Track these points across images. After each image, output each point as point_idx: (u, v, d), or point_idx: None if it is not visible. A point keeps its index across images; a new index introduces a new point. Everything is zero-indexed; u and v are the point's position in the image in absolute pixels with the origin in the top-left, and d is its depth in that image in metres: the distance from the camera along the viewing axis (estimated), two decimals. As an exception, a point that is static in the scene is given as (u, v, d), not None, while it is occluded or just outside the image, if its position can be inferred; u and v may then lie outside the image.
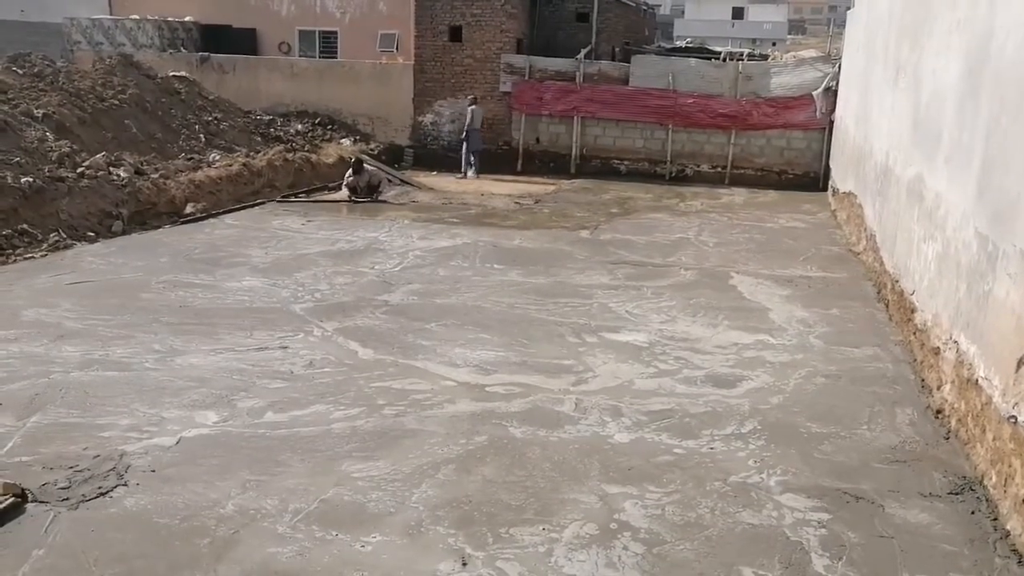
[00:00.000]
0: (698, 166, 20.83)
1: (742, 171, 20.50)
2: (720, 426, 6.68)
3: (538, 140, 21.75)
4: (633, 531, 5.17)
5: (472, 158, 20.56)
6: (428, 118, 22.41)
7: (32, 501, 5.26)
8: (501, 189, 18.79)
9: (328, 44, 25.04)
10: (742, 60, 22.16)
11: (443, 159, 21.88)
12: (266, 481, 5.64)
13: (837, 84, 19.04)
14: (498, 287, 10.52)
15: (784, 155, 20.35)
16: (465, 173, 20.50)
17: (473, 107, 20.38)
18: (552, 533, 5.13)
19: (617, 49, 24.04)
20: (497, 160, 21.19)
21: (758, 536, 5.15)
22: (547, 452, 6.17)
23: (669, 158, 20.82)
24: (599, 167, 21.25)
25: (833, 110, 19.14)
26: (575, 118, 21.12)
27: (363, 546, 4.96)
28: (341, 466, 5.89)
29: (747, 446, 6.35)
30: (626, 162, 21.25)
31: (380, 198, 16.78)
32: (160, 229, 13.39)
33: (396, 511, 5.34)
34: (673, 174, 20.78)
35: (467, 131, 20.39)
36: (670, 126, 20.59)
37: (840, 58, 19.20)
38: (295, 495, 5.48)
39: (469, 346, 8.35)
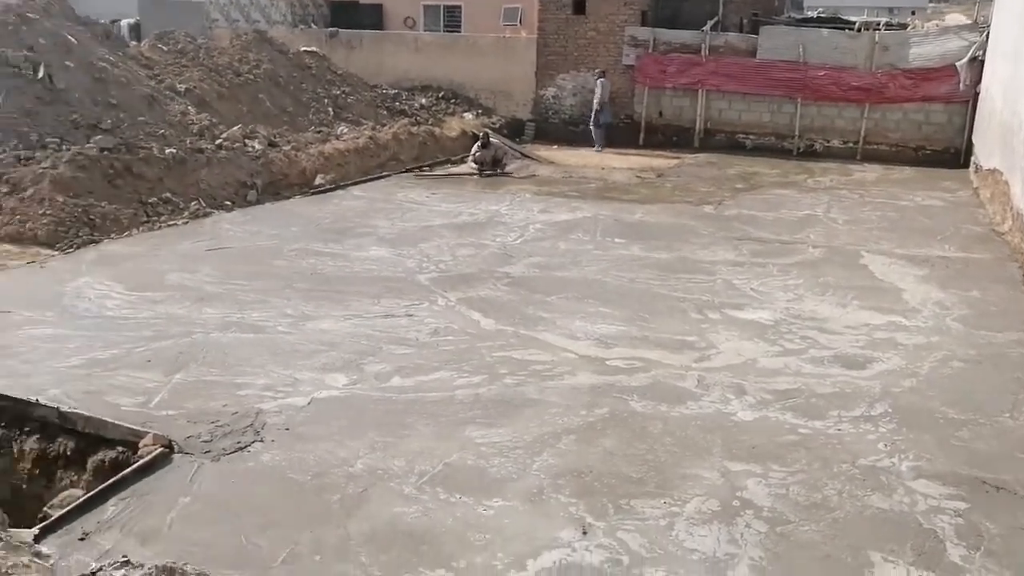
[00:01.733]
0: (828, 141, 20.07)
1: (875, 146, 19.62)
2: (848, 408, 6.49)
3: (661, 114, 21.40)
4: (756, 509, 5.10)
5: (601, 132, 20.40)
6: (550, 92, 22.35)
7: (178, 452, 5.60)
8: (623, 163, 18.62)
9: (452, 18, 25.26)
10: (878, 30, 21.14)
11: (564, 133, 21.81)
12: (393, 443, 5.83)
13: (984, 54, 17.95)
14: (619, 261, 10.47)
15: (922, 130, 19.35)
16: (601, 147, 20.34)
17: (603, 80, 20.21)
18: (673, 507, 5.11)
19: (745, 20, 23.32)
20: (619, 134, 20.97)
21: (888, 521, 4.99)
22: (668, 427, 6.14)
23: (797, 132, 20.13)
24: (723, 141, 20.75)
25: (978, 82, 18.05)
26: (700, 91, 20.65)
27: (485, 510, 5.07)
28: (464, 432, 6.02)
29: (877, 429, 6.15)
30: (752, 136, 20.67)
31: (503, 172, 16.90)
32: (291, 199, 13.88)
33: (518, 478, 5.43)
34: (801, 149, 20.09)
35: (600, 104, 20.21)
36: (799, 99, 19.89)
37: (988, 26, 18.08)
38: (420, 457, 5.64)
39: (590, 319, 8.36)
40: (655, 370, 7.16)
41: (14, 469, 6.21)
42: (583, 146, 20.63)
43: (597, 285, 9.49)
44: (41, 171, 11.22)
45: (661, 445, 5.87)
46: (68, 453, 6.00)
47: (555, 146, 21.03)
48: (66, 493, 5.19)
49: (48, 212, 10.72)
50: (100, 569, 2.49)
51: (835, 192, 15.58)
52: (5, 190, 11.01)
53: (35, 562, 2.65)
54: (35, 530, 3.89)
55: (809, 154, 19.93)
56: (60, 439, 6.05)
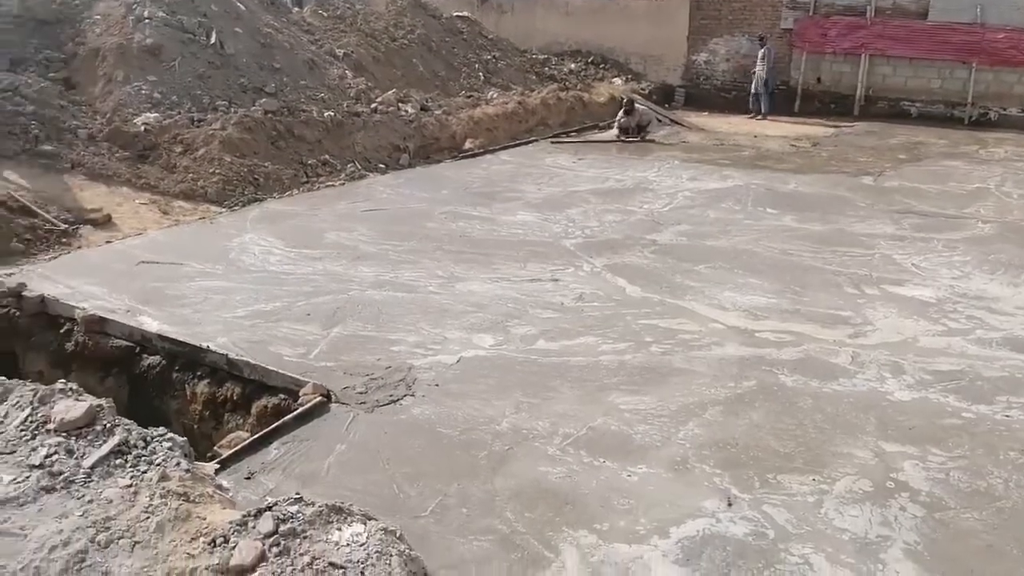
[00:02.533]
0: (1004, 109, 18.74)
1: (1058, 116, 18.22)
2: (1019, 393, 6.12)
3: (819, 80, 20.53)
4: (912, 492, 4.90)
5: (763, 98, 19.75)
6: (702, 57, 21.83)
7: (335, 402, 5.87)
8: (777, 131, 18.02)
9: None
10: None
11: (715, 99, 21.29)
12: (538, 404, 5.91)
13: None
14: (771, 232, 10.18)
15: (1113, 97, 17.83)
16: (764, 114, 19.72)
17: (769, 46, 19.57)
18: (823, 485, 4.98)
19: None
20: (772, 100, 20.25)
21: (1060, 515, 4.70)
22: (819, 403, 5.97)
23: (970, 100, 18.89)
24: (886, 109, 19.72)
25: None
26: (863, 56, 19.67)
27: (629, 475, 5.09)
28: (609, 397, 6.04)
29: (1050, 417, 5.78)
30: (918, 104, 19.54)
31: (648, 138, 16.67)
32: (441, 163, 14.17)
33: (662, 445, 5.41)
34: (973, 117, 18.86)
35: (768, 70, 19.56)
36: (974, 64, 18.64)
37: None
38: (565, 420, 5.70)
39: (739, 290, 8.18)
40: (806, 344, 6.95)
41: (187, 410, 6.69)
42: (735, 113, 20.11)
43: (747, 255, 9.26)
44: (211, 132, 11.88)
45: (811, 421, 5.72)
46: (235, 398, 6.40)
47: (706, 113, 20.56)
48: (233, 435, 5.56)
49: (217, 171, 11.36)
50: (275, 503, 2.66)
51: (1011, 164, 14.57)
52: (179, 150, 11.72)
53: (218, 493, 2.87)
54: (215, 464, 4.19)
55: (982, 123, 18.71)
56: (228, 384, 6.46)
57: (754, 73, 19.84)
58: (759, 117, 19.55)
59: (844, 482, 5.01)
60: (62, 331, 7.37)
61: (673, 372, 6.44)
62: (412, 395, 6.01)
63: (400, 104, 15.24)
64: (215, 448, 5.34)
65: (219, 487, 3.03)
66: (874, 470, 5.14)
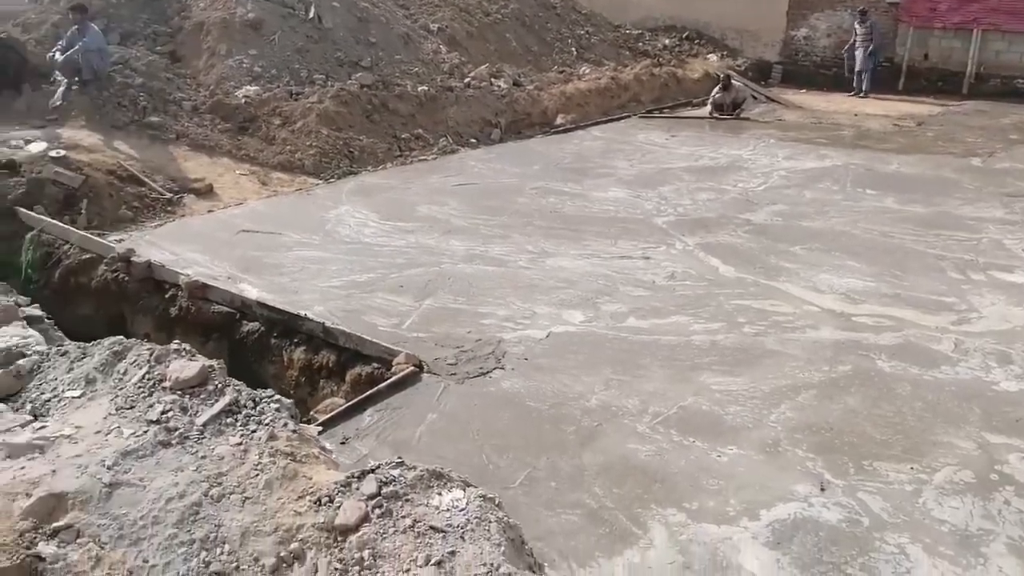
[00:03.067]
0: None
1: None
2: None
3: (926, 56, 19.71)
4: (1018, 486, 4.72)
5: (866, 76, 19.07)
6: (801, 32, 21.19)
7: (426, 372, 5.97)
8: (879, 109, 17.41)
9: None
10: None
11: (814, 76, 20.66)
12: (628, 382, 5.90)
13: None
14: (870, 213, 9.87)
15: None
16: (866, 92, 19.03)
17: (874, 20, 18.90)
18: (921, 474, 4.84)
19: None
20: (876, 78, 19.57)
21: None
22: (919, 391, 5.79)
23: (1090, 79, 17.91)
24: (998, 87, 18.81)
25: None
26: (975, 31, 18.80)
27: (719, 456, 5.04)
28: (700, 377, 5.98)
29: None
30: (1033, 82, 18.61)
31: (743, 115, 16.32)
32: (532, 138, 14.17)
33: (753, 427, 5.34)
34: (1093, 98, 17.88)
35: (876, 46, 18.88)
36: (1095, 41, 17.65)
37: None
38: (655, 398, 5.67)
39: (836, 272, 7.97)
40: (906, 330, 6.74)
41: (283, 375, 6.89)
42: (835, 91, 19.49)
43: (845, 237, 9.01)
44: (309, 105, 12.13)
45: (910, 409, 5.55)
46: (330, 365, 6.56)
47: (803, 90, 20.00)
48: (329, 401, 5.71)
49: (314, 144, 11.61)
50: (378, 466, 2.73)
51: None
52: (278, 122, 12.01)
53: (322, 454, 2.96)
54: (318, 426, 4.32)
55: (1102, 104, 17.70)
56: (324, 352, 6.63)
57: (856, 49, 19.14)
58: (860, 95, 18.90)
59: (944, 472, 4.86)
60: (167, 296, 7.66)
61: (766, 354, 6.34)
62: (502, 368, 6.06)
63: (493, 79, 15.27)
64: (311, 413, 5.50)
65: (323, 448, 3.12)
66: (977, 461, 4.97)
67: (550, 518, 4.48)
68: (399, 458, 2.86)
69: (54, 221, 8.77)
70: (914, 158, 12.84)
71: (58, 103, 11.40)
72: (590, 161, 12.42)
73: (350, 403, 5.49)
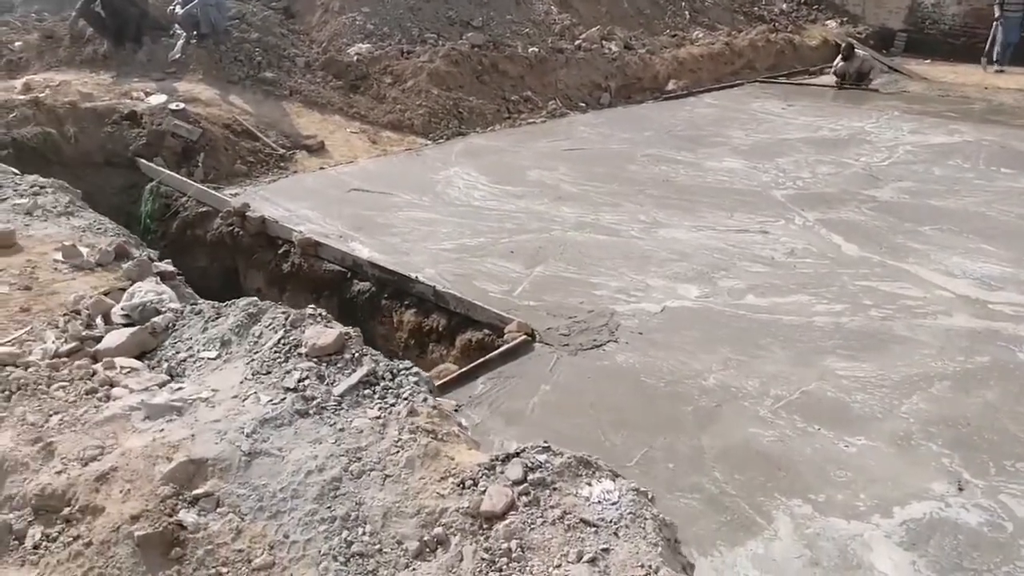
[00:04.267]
0: None
1: None
2: None
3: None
4: None
5: (1010, 48, 17.71)
6: (930, -2, 20.06)
7: (539, 342, 5.85)
8: (1013, 83, 16.37)
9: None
10: None
11: (941, 46, 19.52)
12: (746, 362, 5.67)
13: None
14: (1006, 194, 9.27)
15: None
16: (1001, 64, 17.68)
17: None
18: (1072, 479, 4.50)
19: None
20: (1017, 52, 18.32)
21: None
22: (1067, 388, 5.39)
23: None
24: None
25: None
26: (1123, 1, 17.44)
27: (847, 446, 4.79)
28: (824, 361, 5.70)
29: None
30: None
31: (868, 86, 15.56)
32: (643, 104, 13.82)
33: (883, 418, 5.06)
34: None
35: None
36: None
37: None
38: (776, 381, 5.43)
39: (969, 256, 7.51)
40: (1050, 322, 6.30)
41: (393, 336, 6.88)
42: (963, 62, 18.39)
43: (979, 219, 8.48)
44: (420, 64, 12.06)
45: (1057, 407, 5.18)
46: (440, 329, 6.51)
47: (929, 60, 18.95)
48: (441, 367, 5.65)
49: (424, 103, 11.55)
50: (523, 450, 2.62)
51: None
52: (388, 81, 11.98)
53: (462, 432, 2.87)
54: (455, 402, 4.25)
55: None
56: (434, 315, 6.58)
57: (995, 19, 17.84)
58: (997, 69, 17.67)
59: (1097, 479, 4.51)
60: (280, 252, 7.74)
61: (894, 340, 6.00)
62: (615, 341, 5.90)
63: (603, 41, 14.92)
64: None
65: (460, 425, 3.02)
66: None
67: (668, 501, 4.32)
68: (545, 442, 2.73)
69: (172, 173, 8.95)
70: (1053, 136, 12.02)
71: (177, 56, 11.62)
72: (703, 129, 12.03)
73: (463, 369, 5.42)
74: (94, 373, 3.26)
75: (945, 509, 4.28)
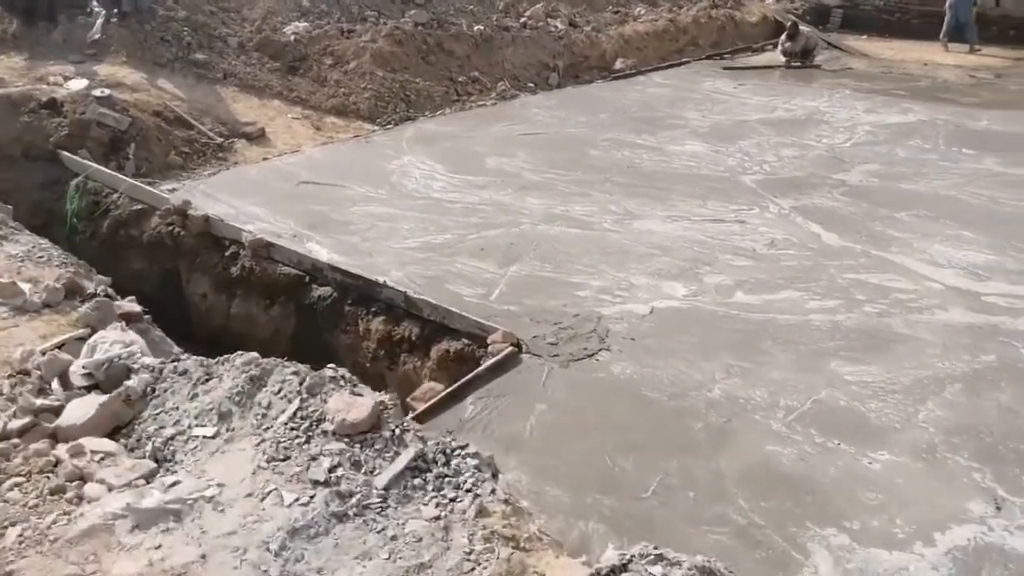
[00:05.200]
0: None
1: None
2: None
3: (997, 3, 18.60)
4: None
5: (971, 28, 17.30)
6: (865, -26, 20.04)
7: (526, 353, 5.39)
8: (948, 59, 16.41)
9: None
10: None
11: (875, 21, 19.50)
12: (750, 369, 5.30)
13: None
14: (973, 176, 9.11)
15: None
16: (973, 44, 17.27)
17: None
18: (1109, 492, 4.25)
19: None
20: (934, 29, 18.39)
21: None
22: (1080, 387, 5.17)
23: None
24: (1074, 37, 17.72)
25: None
26: (1053, -23, 17.64)
27: (871, 463, 4.46)
28: (829, 365, 5.38)
29: None
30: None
31: (812, 63, 15.40)
32: (592, 83, 13.38)
33: (902, 428, 4.75)
34: None
35: None
36: None
37: None
38: (784, 390, 5.08)
39: (950, 243, 7.29)
40: (1047, 314, 6.10)
41: (359, 347, 6.33)
42: (898, 38, 18.41)
43: (951, 203, 8.30)
44: (362, 44, 11.40)
45: (1075, 410, 4.95)
46: (412, 338, 5.99)
47: (864, 36, 18.92)
48: (427, 386, 5.13)
49: (369, 86, 10.90)
50: (630, 560, 2.16)
51: None
52: (329, 62, 11.29)
53: (543, 533, 2.38)
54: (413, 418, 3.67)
55: None
56: (405, 323, 6.05)
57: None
58: (973, 50, 17.17)
59: None
60: (227, 253, 7.09)
61: (896, 339, 5.72)
62: (608, 349, 5.47)
63: (548, 19, 14.43)
64: (408, 400, 4.94)
65: (538, 525, 2.52)
66: None
67: (694, 537, 3.93)
68: (656, 549, 2.27)
69: (100, 167, 8.17)
70: (1004, 114, 11.95)
71: (96, 36, 10.71)
72: (659, 111, 11.65)
73: (450, 389, 4.91)
74: (57, 462, 2.59)
75: (989, 533, 3.98)
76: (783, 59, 15.45)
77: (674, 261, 6.82)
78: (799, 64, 15.26)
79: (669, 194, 8.32)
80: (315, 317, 6.54)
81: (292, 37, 11.43)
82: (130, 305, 3.86)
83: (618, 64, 14.22)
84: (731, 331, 5.78)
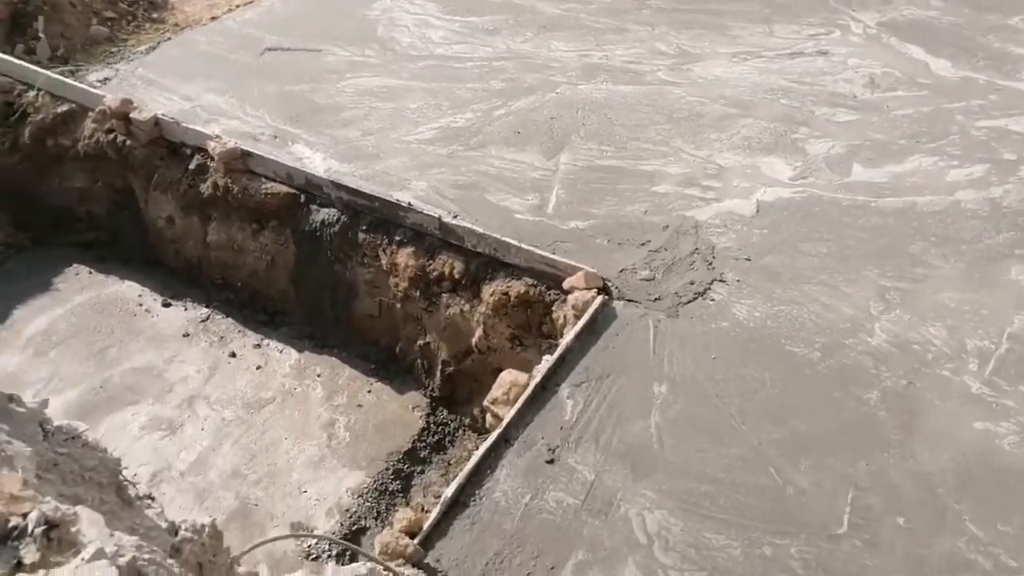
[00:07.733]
0: None
1: None
2: None
3: None
4: None
5: None
6: None
7: (618, 299, 4.08)
8: None
9: None
10: None
11: None
12: (910, 291, 4.07)
13: None
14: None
15: None
16: None
17: None
18: None
19: None
20: None
21: None
22: None
23: None
24: None
25: None
26: None
27: (1118, 437, 3.33)
28: (1007, 274, 4.14)
29: None
30: None
31: None
32: None
33: None
34: None
35: None
36: None
37: None
38: (964, 321, 3.88)
39: (1088, 58, 5.88)
40: None
41: (384, 283, 4.98)
42: None
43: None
44: None
45: None
46: (455, 275, 4.63)
47: None
48: (506, 377, 3.82)
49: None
50: None
51: None
52: None
53: None
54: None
55: None
56: (442, 256, 4.67)
57: None
58: None
59: None
60: (191, 166, 5.53)
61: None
62: (721, 280, 4.18)
63: None
64: (486, 404, 3.68)
65: None
66: None
67: (930, 601, 2.84)
68: None
69: (6, 56, 6.34)
70: None
71: None
72: None
73: (539, 379, 3.63)
74: None
75: None
76: None
77: (762, 123, 5.38)
78: None
79: (722, 18, 6.70)
80: (320, 245, 5.13)
81: None
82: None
83: None
84: (867, 230, 4.47)
